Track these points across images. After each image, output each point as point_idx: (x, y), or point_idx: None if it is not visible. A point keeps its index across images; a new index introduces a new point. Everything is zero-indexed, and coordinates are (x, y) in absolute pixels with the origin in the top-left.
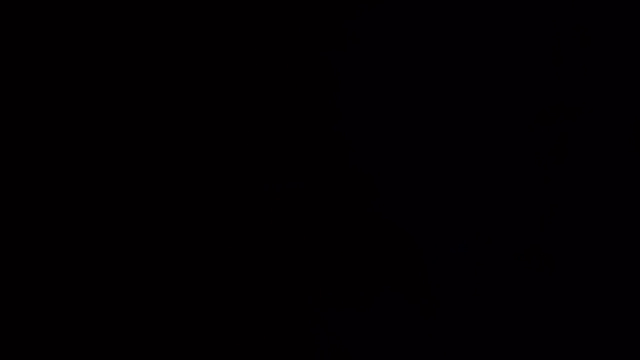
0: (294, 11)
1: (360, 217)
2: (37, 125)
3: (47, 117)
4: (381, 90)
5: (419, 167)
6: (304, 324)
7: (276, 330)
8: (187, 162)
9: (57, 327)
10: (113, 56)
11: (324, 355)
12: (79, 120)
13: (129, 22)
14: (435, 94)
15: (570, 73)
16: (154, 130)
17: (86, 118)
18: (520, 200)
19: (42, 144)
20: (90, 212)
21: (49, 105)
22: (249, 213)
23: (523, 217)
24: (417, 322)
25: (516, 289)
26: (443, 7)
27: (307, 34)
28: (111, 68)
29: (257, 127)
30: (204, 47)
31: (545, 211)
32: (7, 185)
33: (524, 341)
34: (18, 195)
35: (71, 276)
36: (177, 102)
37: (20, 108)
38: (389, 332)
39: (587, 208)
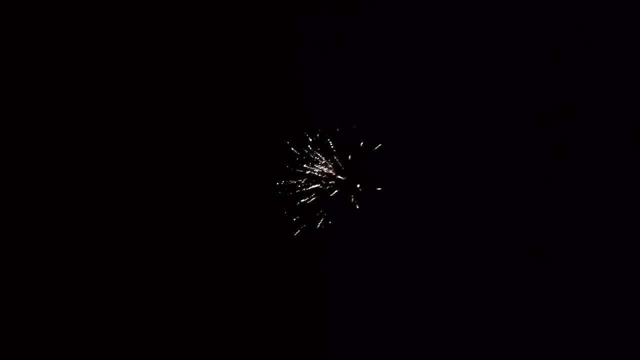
0: (293, 11)
1: (359, 217)
2: (36, 125)
3: (47, 117)
4: (381, 90)
5: (419, 166)
6: (306, 325)
7: (278, 330)
8: (187, 163)
9: (57, 327)
10: (112, 56)
11: (325, 355)
12: (79, 121)
13: (128, 22)
14: (435, 94)
15: (570, 73)
16: (153, 131)
17: (86, 118)
18: (520, 200)
19: (42, 144)
20: (90, 212)
21: (49, 105)
22: (249, 213)
23: (523, 217)
24: (417, 322)
25: (516, 289)
26: (443, 8)
27: (306, 34)
28: (111, 68)
29: (256, 127)
30: (204, 47)
31: (545, 211)
32: (7, 185)
33: (524, 341)
34: (18, 195)
35: (71, 276)
36: (177, 103)
37: (20, 108)
38: (389, 332)
39: (587, 208)
